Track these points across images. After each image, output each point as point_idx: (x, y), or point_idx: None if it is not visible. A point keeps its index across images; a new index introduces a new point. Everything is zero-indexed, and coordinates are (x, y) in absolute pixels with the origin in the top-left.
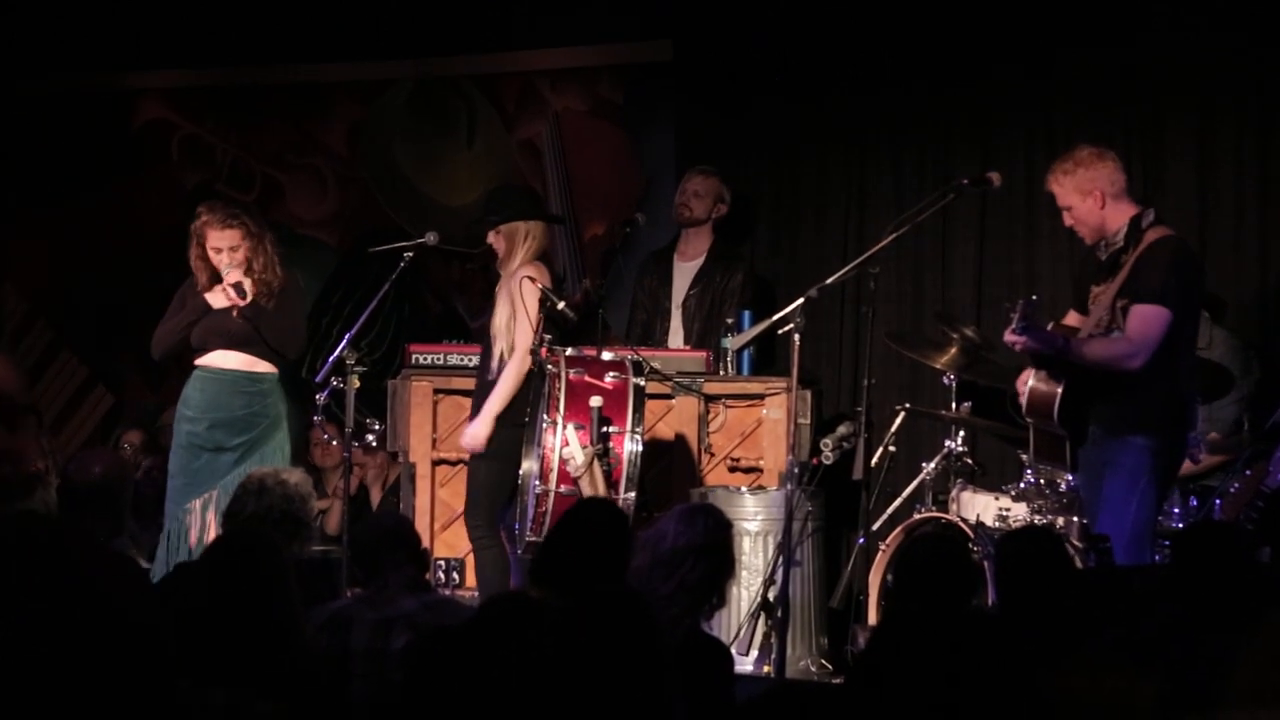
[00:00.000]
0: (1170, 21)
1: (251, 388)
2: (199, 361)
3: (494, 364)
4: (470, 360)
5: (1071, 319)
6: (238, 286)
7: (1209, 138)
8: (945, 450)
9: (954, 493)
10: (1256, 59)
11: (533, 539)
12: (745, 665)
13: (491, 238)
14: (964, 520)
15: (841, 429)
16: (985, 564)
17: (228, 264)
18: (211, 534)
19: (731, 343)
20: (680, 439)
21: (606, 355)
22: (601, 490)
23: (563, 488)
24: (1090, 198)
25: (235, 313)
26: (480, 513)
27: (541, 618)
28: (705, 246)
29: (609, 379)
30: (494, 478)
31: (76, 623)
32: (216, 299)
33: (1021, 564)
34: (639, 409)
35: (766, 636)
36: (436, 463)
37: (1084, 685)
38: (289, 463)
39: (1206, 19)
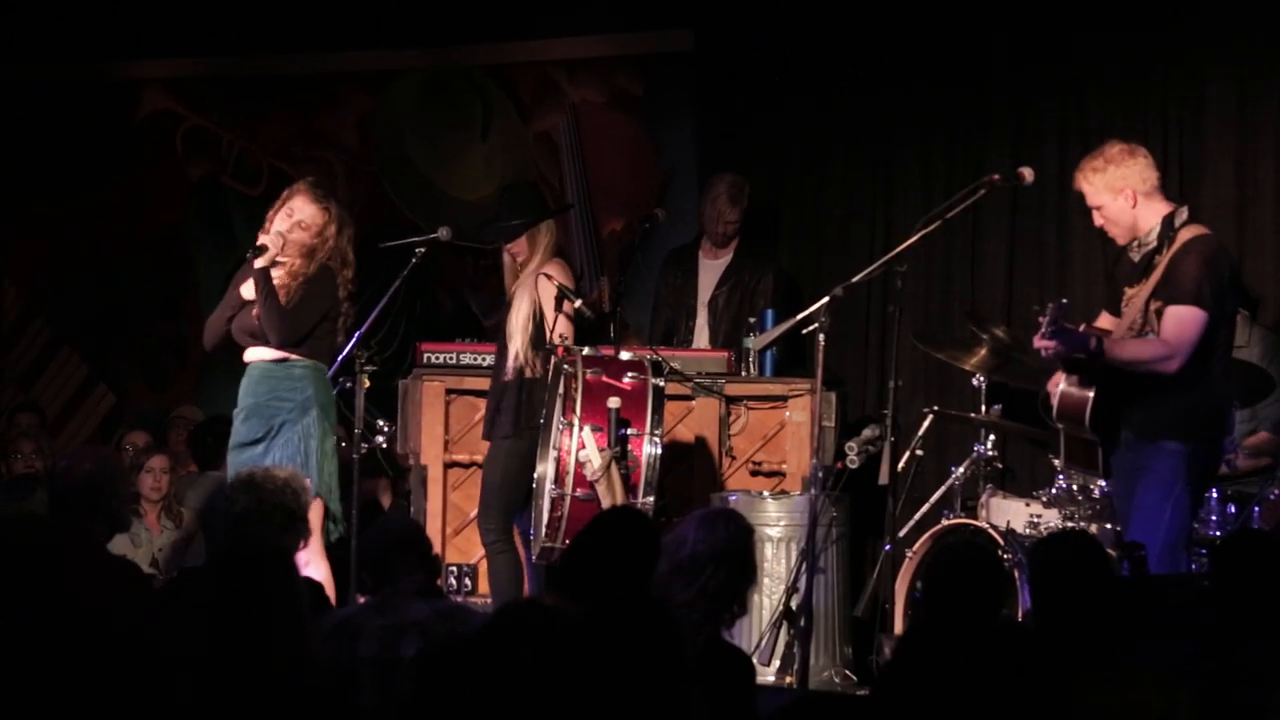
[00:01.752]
0: (1210, 5)
1: (280, 372)
2: (244, 358)
3: (509, 364)
4: (484, 359)
5: (1104, 321)
6: (260, 248)
7: (1249, 128)
8: (974, 454)
9: (983, 498)
10: None
11: (548, 544)
12: (767, 676)
13: (512, 245)
14: (994, 527)
15: (867, 432)
16: (1016, 572)
17: (286, 230)
18: None
19: (754, 343)
20: (701, 442)
21: (625, 355)
22: (619, 494)
23: (579, 492)
24: (1121, 196)
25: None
26: (494, 517)
27: (557, 626)
28: (733, 244)
29: (627, 379)
30: (508, 481)
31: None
32: (249, 289)
33: (1060, 571)
34: (658, 410)
35: (789, 646)
36: (449, 465)
37: (1121, 700)
38: (321, 452)
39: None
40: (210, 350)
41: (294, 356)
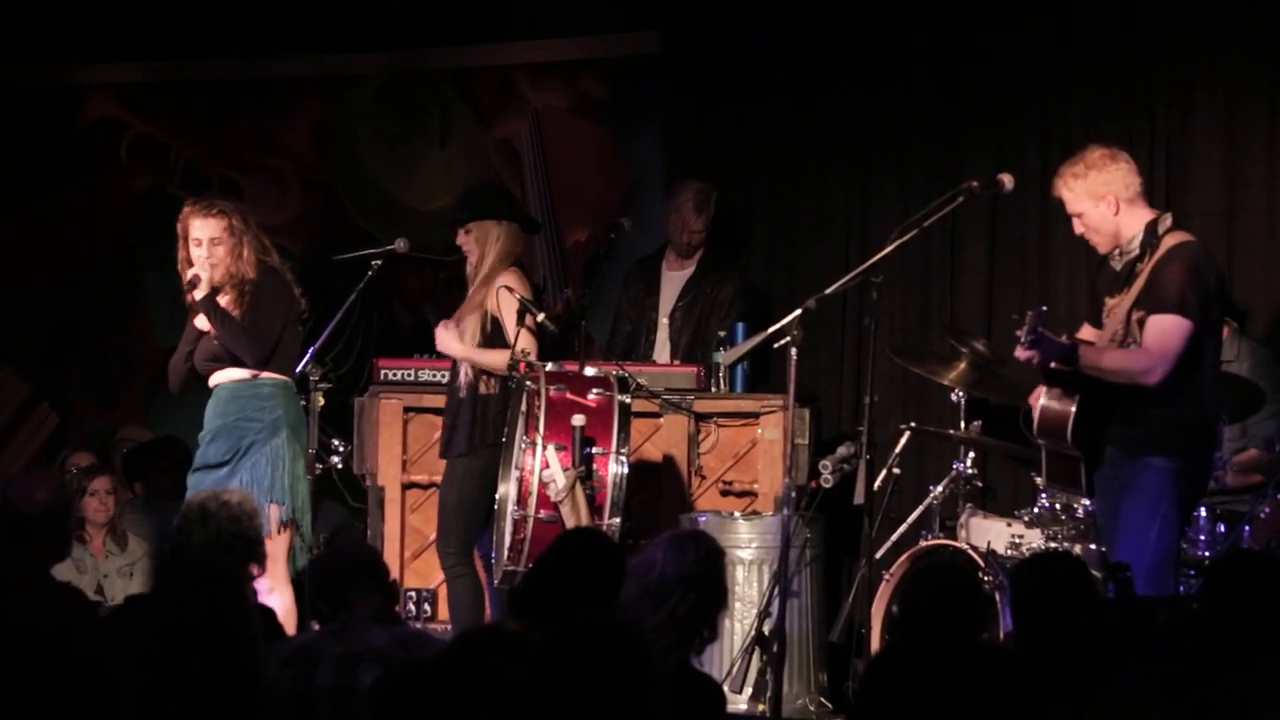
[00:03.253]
0: (1196, 8)
1: (247, 392)
2: (209, 384)
3: (461, 380)
4: (443, 376)
5: (1085, 333)
6: (193, 281)
7: (1237, 133)
8: (953, 473)
9: (963, 518)
10: None
11: (510, 567)
12: (739, 704)
13: (461, 239)
14: (974, 548)
15: (842, 450)
16: (997, 595)
17: (205, 258)
18: None
19: (724, 357)
20: (669, 461)
21: (590, 371)
22: (585, 516)
23: (543, 513)
24: (1103, 203)
25: (190, 301)
26: (453, 539)
27: (520, 653)
28: (697, 256)
29: (592, 396)
30: (465, 502)
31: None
32: (202, 321)
33: (1044, 594)
34: (624, 428)
35: (761, 673)
36: (407, 486)
37: None
38: (292, 475)
39: (1233, 6)
40: (177, 393)
41: (262, 375)
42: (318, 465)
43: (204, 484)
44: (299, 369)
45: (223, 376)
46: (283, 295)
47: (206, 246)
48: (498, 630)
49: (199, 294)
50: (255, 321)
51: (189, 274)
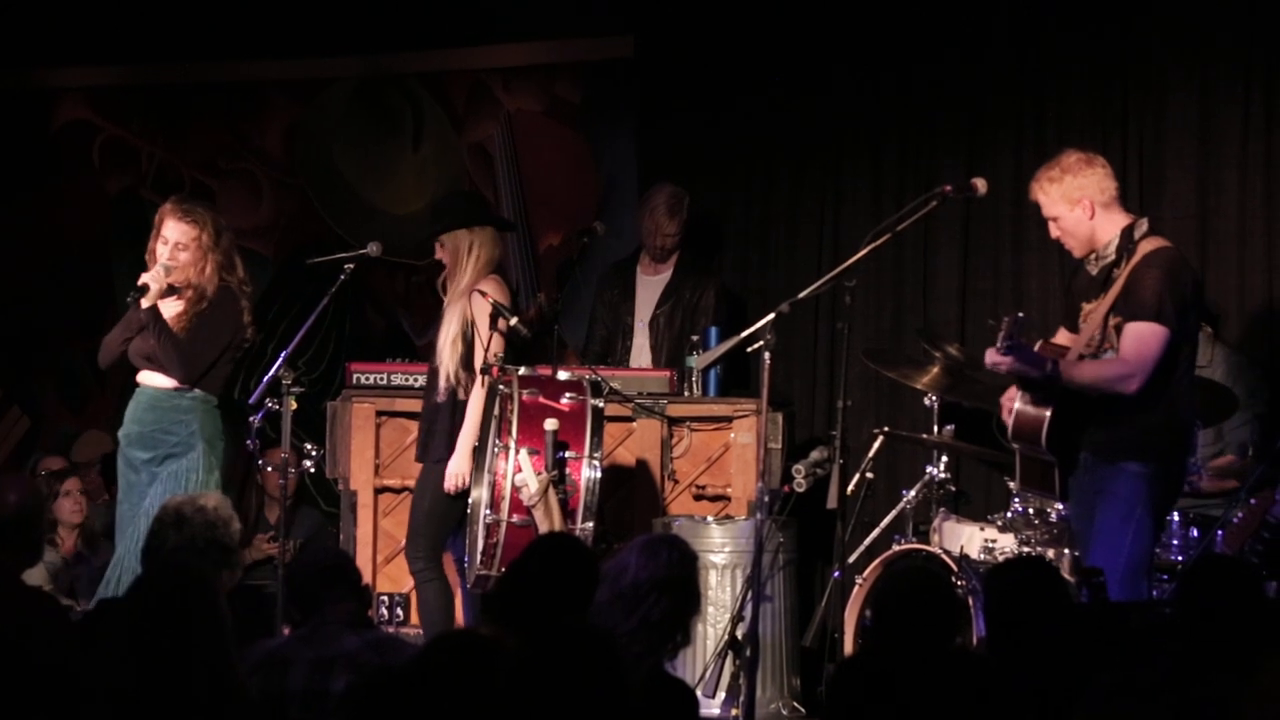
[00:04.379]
0: (1171, 12)
1: (166, 403)
2: (136, 378)
3: (440, 386)
4: (416, 380)
5: (1062, 338)
6: (143, 287)
7: (1211, 138)
8: (927, 477)
9: (936, 523)
10: (1263, 53)
11: (483, 572)
12: (712, 708)
13: (438, 252)
14: (947, 552)
15: (815, 454)
16: (970, 599)
17: (167, 259)
18: None
19: (697, 361)
20: (642, 465)
21: (563, 375)
22: (557, 520)
23: (515, 517)
24: (1079, 207)
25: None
26: (422, 544)
27: (493, 658)
28: (673, 260)
29: (565, 400)
30: (439, 507)
31: None
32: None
33: (1016, 599)
34: (597, 432)
35: (734, 677)
36: (379, 490)
37: None
38: (205, 488)
39: (1208, 8)
40: (103, 369)
41: (184, 387)
42: (290, 470)
43: (131, 480)
44: (271, 373)
45: (148, 379)
46: (229, 321)
47: (172, 249)
48: (471, 634)
49: (145, 303)
50: (194, 341)
51: (141, 278)
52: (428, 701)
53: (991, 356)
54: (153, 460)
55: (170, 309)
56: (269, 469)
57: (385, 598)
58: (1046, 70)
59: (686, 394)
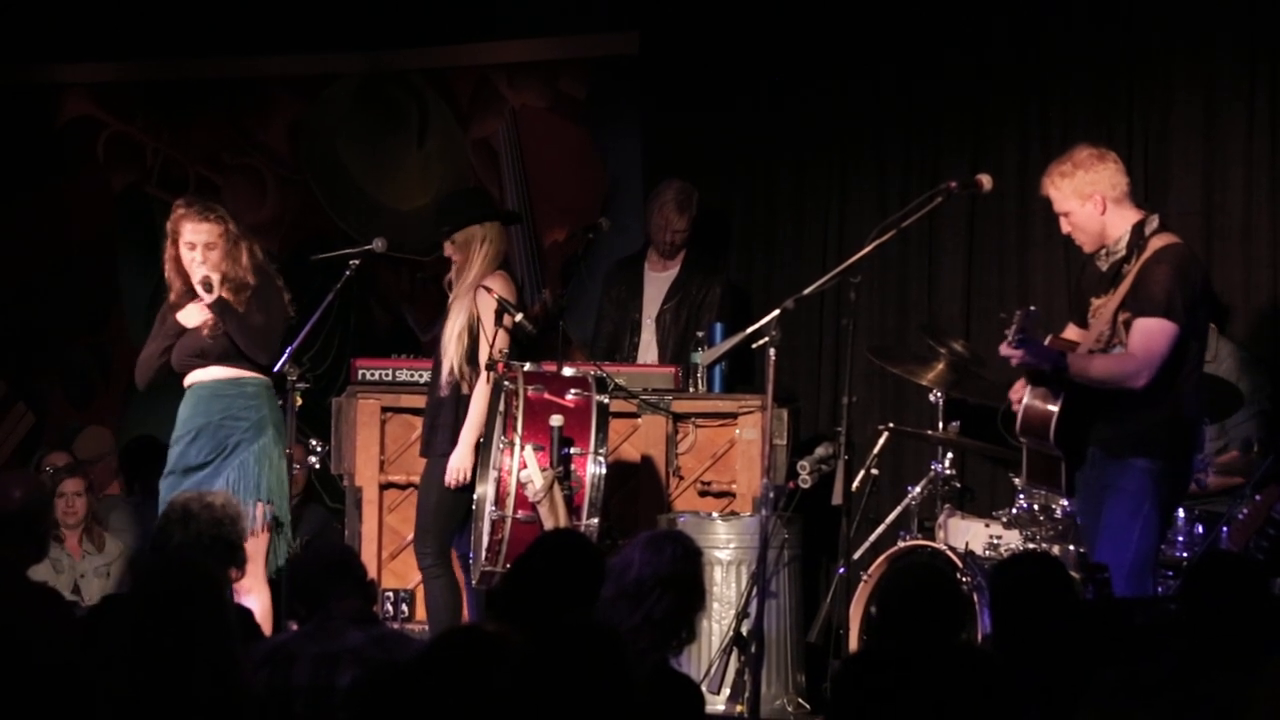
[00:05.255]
0: (1176, 10)
1: (232, 390)
2: (185, 381)
3: (444, 379)
4: (421, 376)
5: (1071, 333)
6: (205, 282)
7: (1216, 134)
8: (932, 473)
9: (941, 519)
10: (1268, 49)
11: (488, 568)
12: (717, 705)
13: (448, 249)
14: (952, 548)
15: (820, 450)
16: (975, 596)
17: (200, 262)
18: None
19: (702, 358)
20: (647, 461)
21: (568, 371)
22: (562, 516)
23: (520, 513)
24: (1090, 202)
25: (205, 324)
26: (430, 540)
27: (500, 653)
28: (680, 256)
29: (570, 396)
30: (445, 503)
31: None
32: (189, 316)
33: (1022, 594)
34: (603, 429)
35: (739, 674)
36: (384, 486)
37: None
38: (278, 474)
39: (1212, 5)
40: (144, 388)
41: (245, 374)
42: (296, 466)
43: (183, 486)
44: (275, 369)
45: (203, 375)
46: (278, 298)
47: (201, 251)
48: (476, 630)
49: (210, 297)
50: (266, 323)
51: (200, 274)
52: (433, 696)
53: (1004, 349)
54: (220, 454)
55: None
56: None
57: (390, 594)
58: (1051, 66)
59: (692, 390)
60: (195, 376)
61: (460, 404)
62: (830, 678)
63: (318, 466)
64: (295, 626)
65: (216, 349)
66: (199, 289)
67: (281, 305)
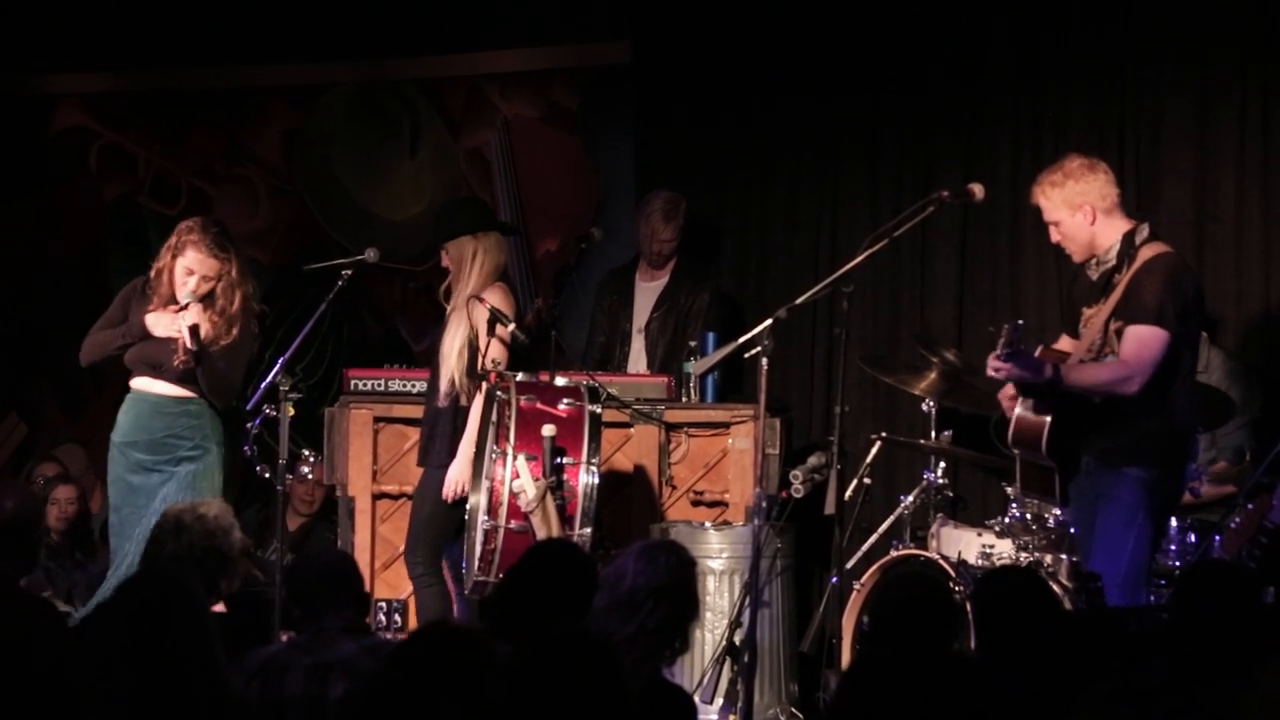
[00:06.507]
0: (1168, 18)
1: (173, 409)
2: (131, 384)
3: (443, 390)
4: (413, 385)
5: (1063, 343)
6: (194, 330)
7: (1208, 143)
8: (924, 482)
9: (934, 528)
10: (1260, 58)
11: (480, 578)
12: (709, 715)
13: (444, 259)
14: (945, 558)
15: (813, 460)
16: (968, 605)
17: (189, 292)
18: None
19: (695, 367)
20: (640, 471)
21: (560, 381)
22: (555, 526)
23: (513, 523)
24: (1080, 212)
25: (178, 358)
26: (421, 550)
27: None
28: (670, 266)
29: (563, 406)
30: (440, 514)
31: None
32: (159, 325)
33: (1002, 609)
34: (595, 438)
35: (732, 683)
36: (377, 496)
37: None
38: (218, 492)
39: (1205, 13)
40: (86, 365)
41: (192, 394)
42: (288, 476)
43: (132, 486)
44: (268, 379)
45: (148, 385)
46: (249, 342)
47: (200, 282)
48: (447, 626)
49: (190, 344)
50: (231, 370)
51: (190, 319)
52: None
53: (992, 363)
54: (168, 461)
55: (177, 327)
56: (297, 481)
57: (383, 604)
58: (1044, 75)
59: (684, 400)
60: (143, 384)
61: (459, 415)
62: (823, 688)
63: (309, 476)
64: (285, 638)
65: (176, 372)
66: (183, 334)
67: (248, 349)
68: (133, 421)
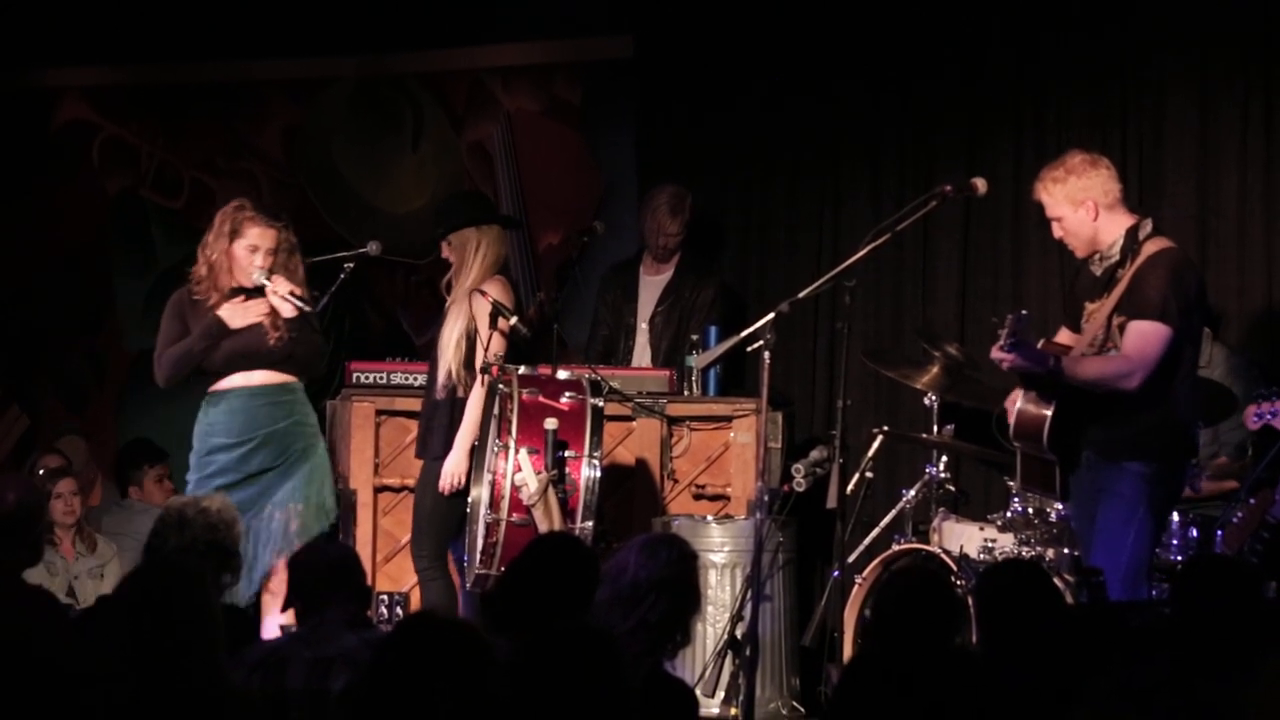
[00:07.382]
0: (1170, 15)
1: (285, 395)
2: (222, 385)
3: (440, 383)
4: (415, 379)
5: (1064, 337)
6: (294, 295)
7: (1210, 139)
8: (926, 477)
9: (935, 522)
10: (1262, 53)
11: (482, 571)
12: (711, 708)
13: (445, 252)
14: (946, 552)
15: (815, 454)
16: (970, 599)
17: (261, 268)
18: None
19: (697, 361)
20: (642, 464)
21: (562, 374)
22: (557, 519)
23: (515, 517)
24: (1082, 208)
25: (273, 335)
26: (426, 543)
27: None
28: (674, 260)
29: (565, 399)
30: (441, 506)
31: None
32: (236, 316)
33: (1004, 603)
34: (597, 432)
35: (734, 677)
36: (379, 489)
37: None
38: (332, 480)
39: (1206, 10)
40: (166, 386)
41: (293, 379)
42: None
43: (248, 491)
44: None
45: (255, 379)
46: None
47: (264, 255)
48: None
49: (291, 310)
50: (316, 331)
51: (284, 286)
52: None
53: (995, 353)
54: (285, 459)
55: (258, 309)
56: None
57: (385, 597)
58: (1046, 70)
59: (686, 393)
60: (241, 380)
61: (456, 408)
62: (824, 682)
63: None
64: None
65: (274, 354)
66: (280, 300)
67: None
68: (246, 415)
